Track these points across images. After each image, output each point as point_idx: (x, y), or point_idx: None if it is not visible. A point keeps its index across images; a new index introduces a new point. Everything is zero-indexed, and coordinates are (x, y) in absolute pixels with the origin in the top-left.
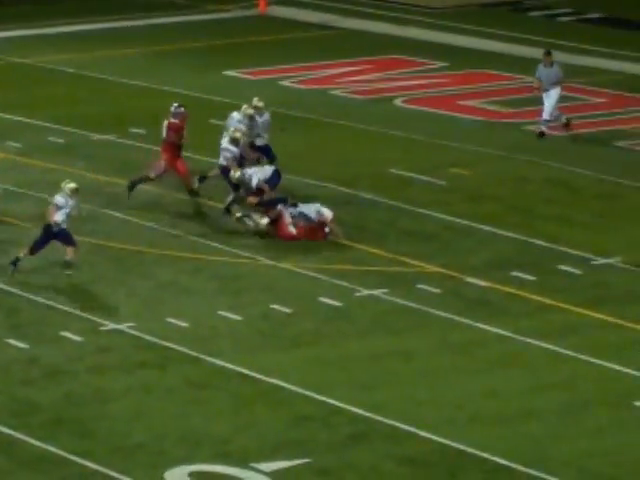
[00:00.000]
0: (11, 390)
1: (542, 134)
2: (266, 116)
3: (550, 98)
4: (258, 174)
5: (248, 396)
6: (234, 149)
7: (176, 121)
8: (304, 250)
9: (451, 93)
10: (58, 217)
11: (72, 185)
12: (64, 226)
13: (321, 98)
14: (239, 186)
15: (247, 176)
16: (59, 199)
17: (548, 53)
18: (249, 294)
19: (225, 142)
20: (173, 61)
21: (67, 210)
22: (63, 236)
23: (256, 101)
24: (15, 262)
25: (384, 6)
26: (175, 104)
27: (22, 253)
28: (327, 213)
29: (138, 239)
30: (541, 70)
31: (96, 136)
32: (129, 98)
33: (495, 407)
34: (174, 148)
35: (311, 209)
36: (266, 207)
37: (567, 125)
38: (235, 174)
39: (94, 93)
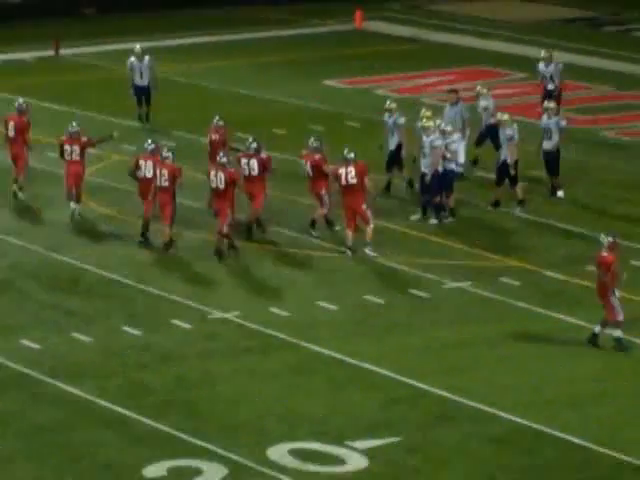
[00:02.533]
0: (127, 374)
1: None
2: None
3: (461, 142)
4: None
5: (344, 380)
6: None
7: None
8: (395, 245)
9: (532, 101)
10: None
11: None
12: None
13: (413, 105)
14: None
15: None
16: None
17: (453, 91)
18: (344, 286)
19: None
20: (277, 72)
21: None
22: None
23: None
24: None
25: (469, 21)
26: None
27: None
28: None
29: (241, 235)
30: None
31: (204, 140)
32: (235, 105)
33: (571, 391)
34: None
35: None
36: None
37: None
38: None
39: (203, 101)
